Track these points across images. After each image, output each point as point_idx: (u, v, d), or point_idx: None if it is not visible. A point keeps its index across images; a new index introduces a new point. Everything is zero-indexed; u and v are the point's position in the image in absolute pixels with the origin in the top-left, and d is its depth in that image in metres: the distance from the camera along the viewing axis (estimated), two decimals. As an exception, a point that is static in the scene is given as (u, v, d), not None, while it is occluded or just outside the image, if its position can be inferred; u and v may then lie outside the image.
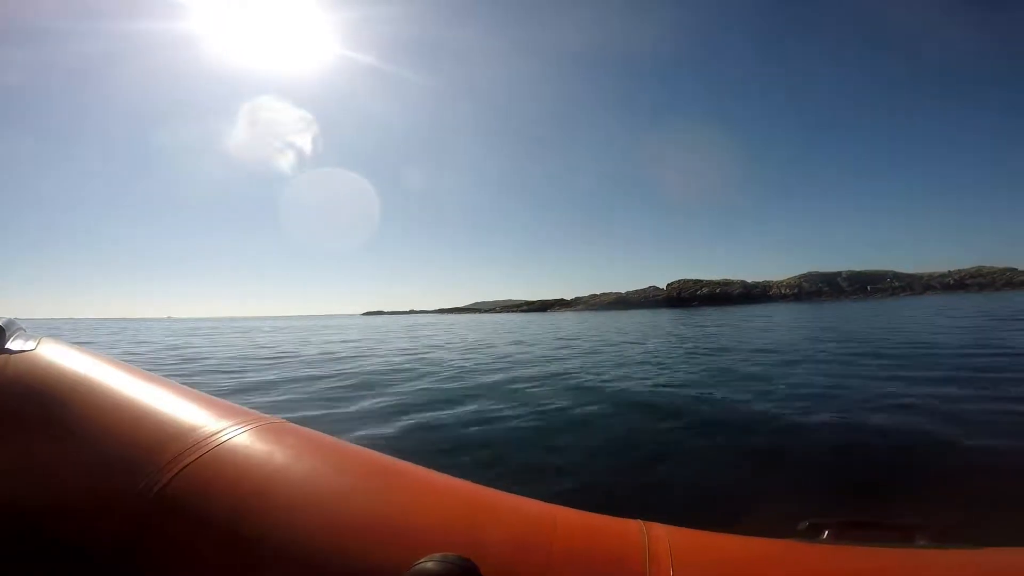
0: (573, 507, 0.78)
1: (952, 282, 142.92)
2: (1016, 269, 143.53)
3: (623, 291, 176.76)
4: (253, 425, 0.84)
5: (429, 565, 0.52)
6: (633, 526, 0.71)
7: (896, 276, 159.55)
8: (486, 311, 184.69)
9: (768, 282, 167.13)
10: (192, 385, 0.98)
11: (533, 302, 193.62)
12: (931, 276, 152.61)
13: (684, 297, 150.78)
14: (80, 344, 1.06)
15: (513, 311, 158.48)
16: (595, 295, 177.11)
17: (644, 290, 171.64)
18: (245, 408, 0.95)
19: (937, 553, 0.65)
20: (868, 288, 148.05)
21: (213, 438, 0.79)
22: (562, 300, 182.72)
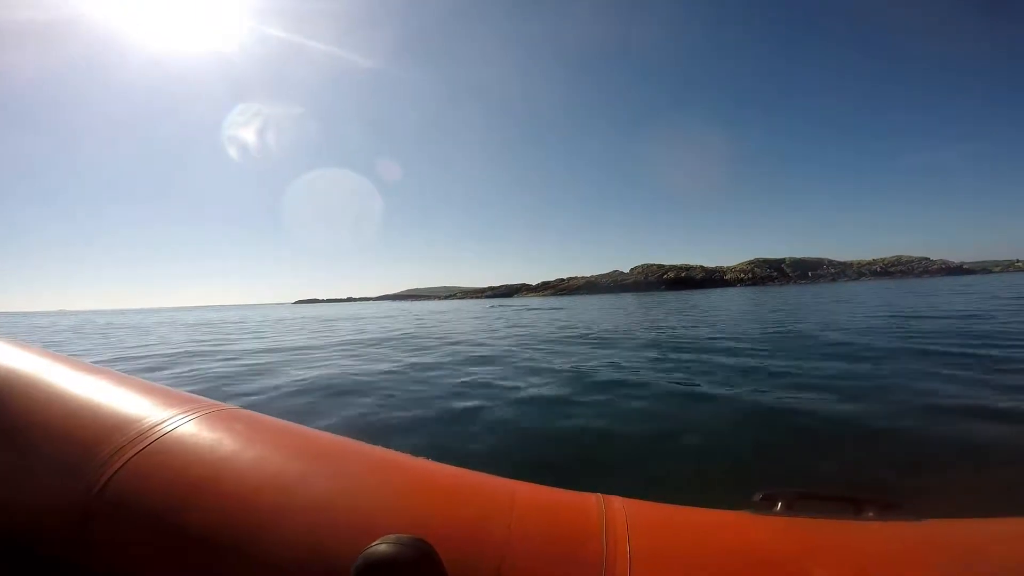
0: (532, 482, 0.76)
1: (879, 269, 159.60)
2: (930, 259, 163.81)
3: (589, 275, 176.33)
4: (200, 412, 0.81)
5: (382, 547, 0.49)
6: (591, 500, 0.71)
7: (831, 263, 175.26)
8: (444, 297, 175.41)
9: (722, 268, 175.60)
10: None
11: (497, 287, 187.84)
12: (860, 263, 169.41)
13: (651, 281, 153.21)
14: (10, 336, 1.00)
15: (477, 297, 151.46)
16: (562, 279, 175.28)
17: (610, 274, 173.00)
18: (193, 395, 0.91)
19: (883, 525, 0.67)
20: (809, 274, 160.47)
21: (157, 428, 0.75)
22: (526, 285, 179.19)
